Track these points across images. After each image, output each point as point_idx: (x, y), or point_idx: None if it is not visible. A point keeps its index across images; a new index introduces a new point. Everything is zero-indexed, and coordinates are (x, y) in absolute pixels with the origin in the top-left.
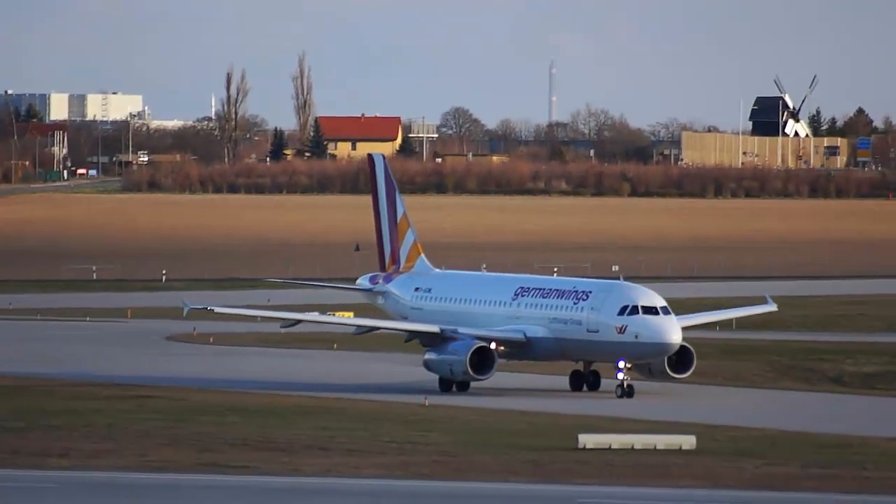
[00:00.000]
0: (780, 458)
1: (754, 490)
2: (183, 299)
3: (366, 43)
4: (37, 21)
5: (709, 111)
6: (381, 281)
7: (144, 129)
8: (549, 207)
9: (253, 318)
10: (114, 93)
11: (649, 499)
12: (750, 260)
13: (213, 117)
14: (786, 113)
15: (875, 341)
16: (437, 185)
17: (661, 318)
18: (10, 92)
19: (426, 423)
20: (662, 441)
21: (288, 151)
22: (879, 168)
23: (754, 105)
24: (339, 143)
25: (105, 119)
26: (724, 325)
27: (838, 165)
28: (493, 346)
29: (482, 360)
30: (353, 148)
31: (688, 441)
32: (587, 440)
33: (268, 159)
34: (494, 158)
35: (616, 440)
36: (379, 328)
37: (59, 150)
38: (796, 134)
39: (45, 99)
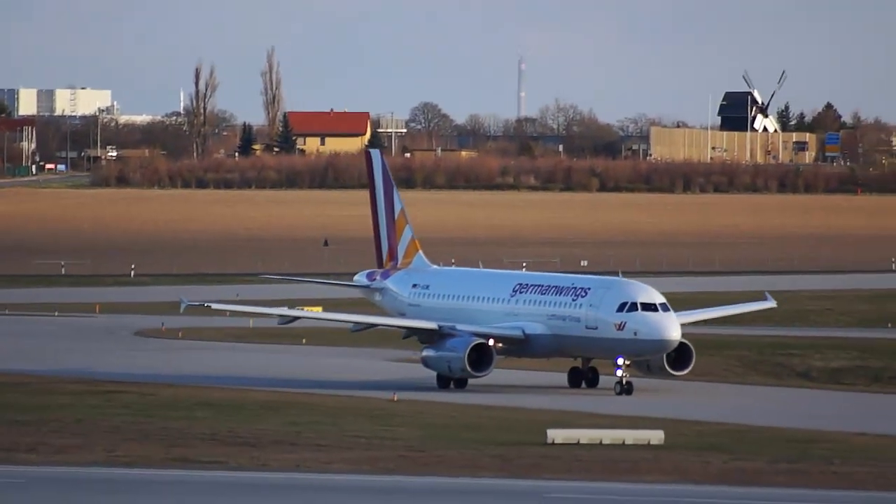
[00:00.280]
0: (748, 453)
1: (722, 485)
2: (180, 295)
3: (335, 38)
4: (5, 16)
5: (677, 106)
6: (378, 277)
7: (113, 124)
8: (517, 202)
9: (249, 315)
10: (82, 88)
11: (617, 493)
12: (719, 255)
13: (182, 112)
14: (754, 108)
15: (843, 336)
16: (406, 180)
17: (660, 315)
18: None
19: (394, 418)
20: (631, 436)
21: (257, 146)
22: (848, 163)
23: (723, 100)
24: (308, 139)
25: (74, 114)
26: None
27: (807, 160)
28: (491, 342)
29: (480, 357)
30: (322, 143)
31: (656, 436)
32: (555, 435)
33: (236, 154)
34: (463, 153)
35: (584, 435)
36: (377, 325)
37: (28, 145)
38: (765, 129)
39: (13, 94)
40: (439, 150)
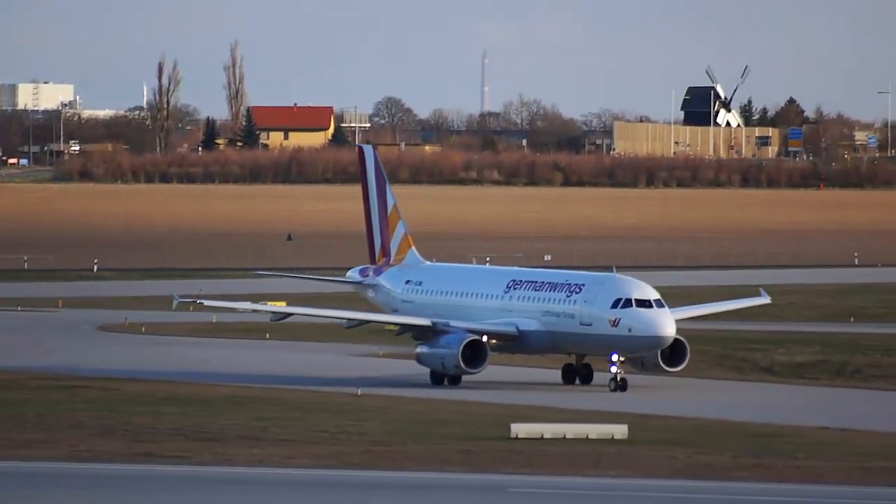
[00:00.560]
0: (712, 448)
1: (686, 479)
2: (172, 291)
3: (298, 33)
4: None
5: (641, 101)
6: (371, 274)
7: (76, 118)
8: (481, 197)
9: (240, 311)
10: (45, 82)
11: (581, 488)
12: (682, 249)
13: (145, 107)
14: (717, 103)
15: (806, 331)
16: None
17: (654, 311)
18: None
19: (359, 412)
20: (594, 430)
21: (220, 141)
22: (810, 158)
23: (686, 95)
24: (272, 133)
25: (36, 108)
26: None
27: (770, 155)
28: (485, 339)
29: (474, 354)
30: (286, 137)
31: (620, 430)
32: (519, 430)
33: (200, 149)
34: (427, 148)
35: (548, 430)
36: (370, 321)
37: None
38: (728, 124)
39: None
40: (403, 145)
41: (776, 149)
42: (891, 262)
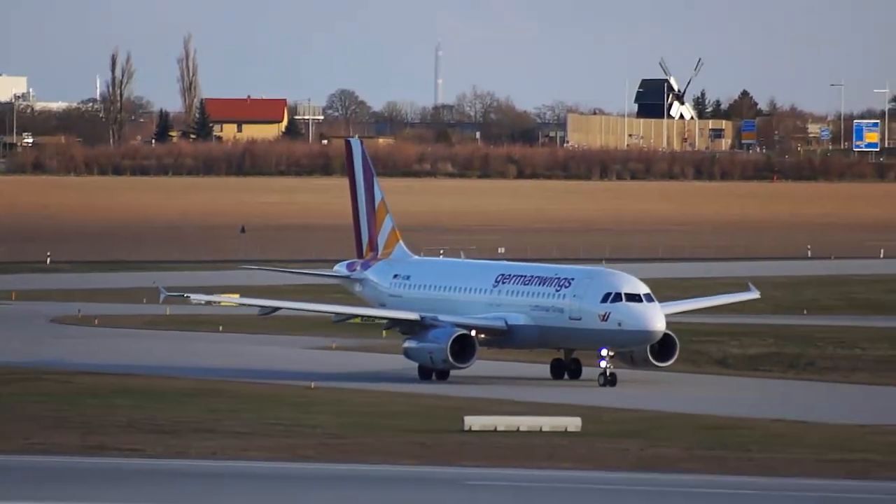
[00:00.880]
0: (665, 440)
1: (639, 471)
2: (159, 285)
3: (252, 25)
4: None
5: (594, 93)
6: (358, 268)
7: (29, 110)
8: (435, 189)
9: (227, 305)
10: None
11: (534, 480)
12: (636, 242)
13: (99, 99)
14: (671, 95)
15: (759, 323)
16: (324, 167)
17: (644, 306)
18: None
19: (313, 405)
20: (548, 423)
21: (173, 133)
22: (764, 150)
23: (639, 87)
24: (225, 125)
25: None
26: None
27: (723, 148)
28: (473, 333)
29: (463, 348)
30: (239, 130)
31: (573, 423)
32: (473, 422)
33: (153, 141)
34: (380, 140)
35: (502, 422)
36: (358, 315)
37: None
38: (681, 116)
39: None
40: (357, 138)
41: (729, 141)
42: (844, 255)
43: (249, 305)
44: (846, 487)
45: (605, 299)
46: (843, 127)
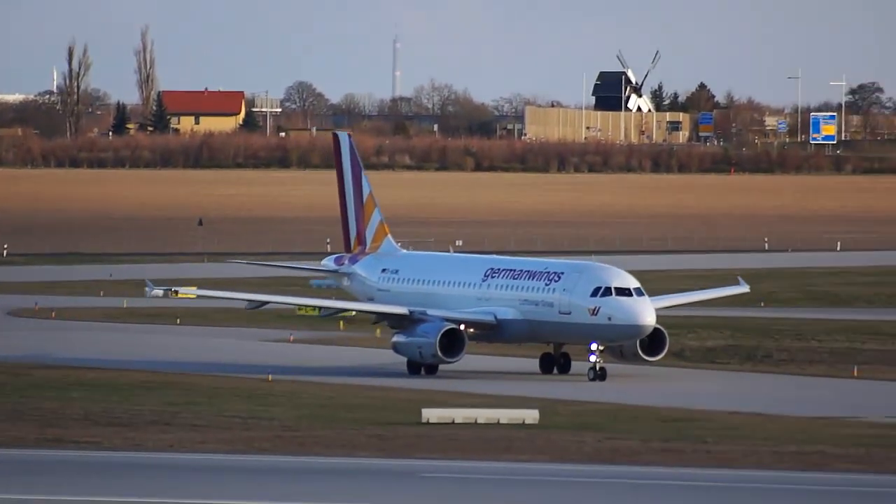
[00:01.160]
0: (622, 432)
1: (596, 464)
2: (146, 279)
3: (209, 17)
4: None
5: (552, 86)
6: (346, 262)
7: None
8: (392, 182)
9: (216, 299)
10: None
11: (492, 473)
12: (593, 234)
13: (55, 91)
14: (628, 88)
15: (716, 315)
16: (281, 160)
17: (634, 300)
18: None
19: (270, 398)
20: (505, 415)
21: (130, 126)
22: (721, 143)
23: (597, 80)
24: (182, 118)
25: None
26: None
27: (680, 140)
28: (462, 328)
29: (452, 343)
30: (197, 122)
31: (531, 415)
32: (430, 414)
33: (110, 134)
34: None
35: (459, 414)
36: (346, 310)
37: None
38: (639, 109)
39: None
40: (314, 130)
41: (687, 134)
42: (801, 247)
43: (237, 300)
44: (803, 479)
45: (594, 293)
46: (799, 120)
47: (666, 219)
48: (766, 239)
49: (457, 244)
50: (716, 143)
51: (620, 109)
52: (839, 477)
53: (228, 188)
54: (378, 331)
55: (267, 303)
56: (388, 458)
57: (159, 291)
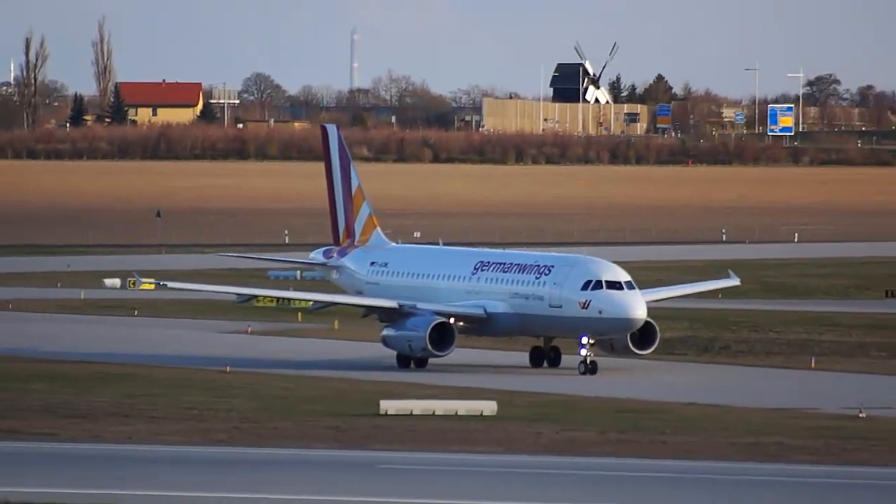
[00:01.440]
0: (579, 424)
1: (553, 455)
2: (135, 273)
3: (166, 8)
4: None
5: (510, 78)
6: (335, 255)
7: None
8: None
9: (206, 293)
10: None
11: (450, 464)
12: (551, 226)
13: (12, 83)
14: (586, 79)
15: (674, 307)
16: (239, 152)
17: (625, 294)
18: None
19: (228, 389)
20: (463, 407)
21: (88, 117)
22: (679, 134)
23: (555, 72)
24: (140, 109)
25: None
26: None
27: (638, 132)
28: (452, 321)
29: (442, 336)
30: (154, 114)
31: (488, 407)
32: (388, 406)
33: (68, 125)
34: (296, 125)
35: (417, 406)
36: (336, 303)
37: None
38: (597, 101)
39: None
40: (272, 122)
41: (645, 125)
42: (758, 239)
43: (226, 293)
44: (759, 471)
45: (585, 287)
46: (757, 111)
47: (624, 210)
48: (723, 230)
49: (415, 235)
50: (673, 134)
51: (578, 101)
52: (796, 468)
53: (186, 180)
54: (336, 323)
55: (256, 296)
56: (346, 449)
57: (150, 283)
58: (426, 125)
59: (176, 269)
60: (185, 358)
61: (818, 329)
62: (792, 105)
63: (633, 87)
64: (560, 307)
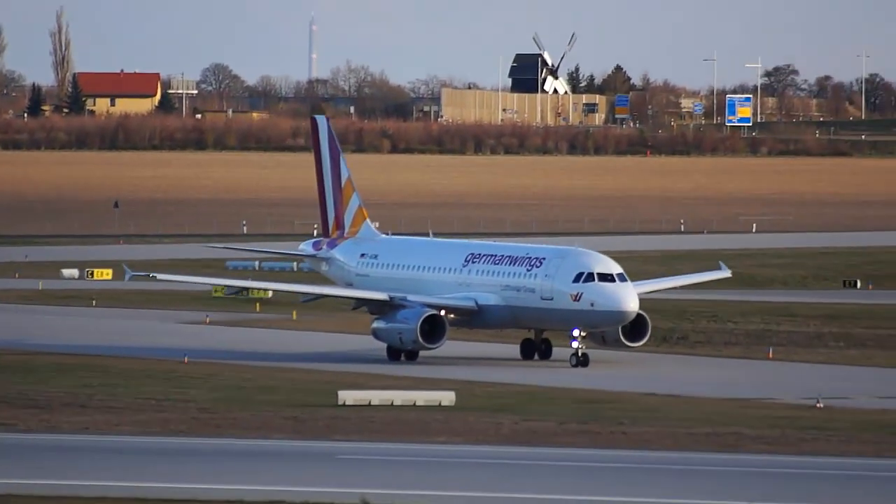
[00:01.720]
0: (538, 414)
1: (512, 445)
2: (124, 266)
3: None
4: None
5: (468, 68)
6: (325, 247)
7: None
8: (309, 164)
9: (196, 285)
10: None
11: (408, 454)
12: (510, 216)
13: None
14: (545, 70)
15: None
16: (197, 142)
17: (617, 286)
18: None
19: (186, 380)
20: (422, 397)
21: (46, 107)
22: (637, 125)
23: (513, 62)
24: (98, 100)
25: None
26: None
27: (596, 122)
28: (443, 314)
29: (433, 329)
30: (112, 104)
31: (447, 397)
32: (347, 397)
33: (25, 115)
34: (255, 115)
35: (376, 396)
36: (326, 295)
37: None
38: (555, 91)
39: None
40: (230, 112)
41: (603, 116)
42: (716, 229)
43: (218, 285)
44: (718, 461)
45: (577, 279)
46: (715, 102)
47: (582, 201)
48: (682, 220)
49: (374, 226)
50: (632, 125)
51: (537, 91)
52: (754, 458)
53: (144, 170)
54: (294, 314)
55: (246, 289)
56: (305, 440)
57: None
58: (385, 115)
59: (133, 259)
60: (144, 348)
61: (776, 319)
62: (750, 96)
63: (592, 78)
64: (552, 299)
